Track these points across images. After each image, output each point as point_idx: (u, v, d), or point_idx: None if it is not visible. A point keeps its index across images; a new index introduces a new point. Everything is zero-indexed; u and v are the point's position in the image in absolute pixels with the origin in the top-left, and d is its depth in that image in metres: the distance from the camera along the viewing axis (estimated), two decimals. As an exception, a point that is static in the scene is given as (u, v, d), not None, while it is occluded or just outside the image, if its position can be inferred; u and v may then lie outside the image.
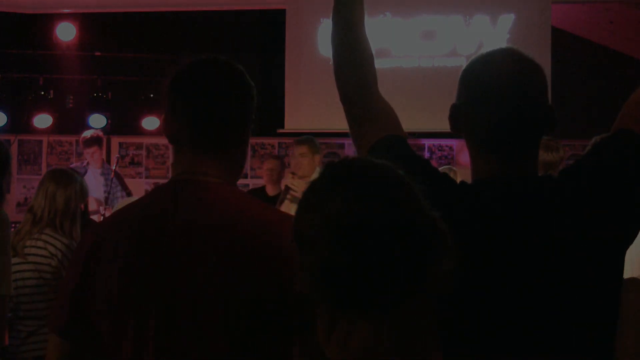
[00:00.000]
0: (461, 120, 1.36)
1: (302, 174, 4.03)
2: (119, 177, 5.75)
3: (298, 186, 4.01)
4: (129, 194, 5.61)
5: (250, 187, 6.41)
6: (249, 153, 7.41)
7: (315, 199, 0.95)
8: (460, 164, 6.97)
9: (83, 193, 3.06)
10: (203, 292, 1.22)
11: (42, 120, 6.82)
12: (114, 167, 5.79)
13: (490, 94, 1.31)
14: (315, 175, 4.15)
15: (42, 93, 6.72)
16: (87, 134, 5.66)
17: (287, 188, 5.02)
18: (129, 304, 1.25)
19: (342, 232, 0.90)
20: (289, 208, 4.00)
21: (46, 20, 7.08)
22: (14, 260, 2.89)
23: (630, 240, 1.29)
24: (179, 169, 1.34)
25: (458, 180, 1.37)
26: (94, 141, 5.62)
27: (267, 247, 1.24)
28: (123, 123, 7.21)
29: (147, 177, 7.48)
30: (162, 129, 1.38)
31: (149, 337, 1.23)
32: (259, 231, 1.25)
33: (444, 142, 7.30)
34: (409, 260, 0.90)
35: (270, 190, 5.21)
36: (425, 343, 0.94)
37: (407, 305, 0.91)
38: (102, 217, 5.01)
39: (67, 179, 3.01)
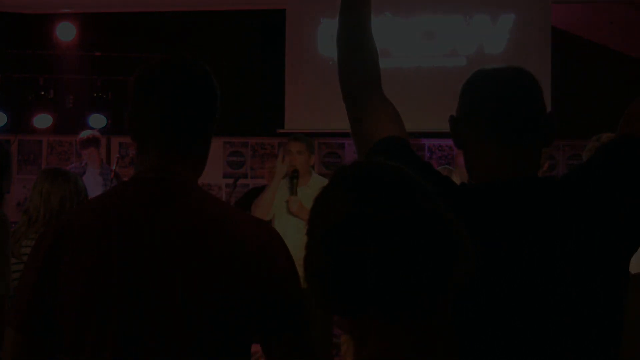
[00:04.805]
0: (460, 132, 1.36)
1: (302, 171, 4.00)
2: (117, 178, 5.75)
3: (292, 203, 3.92)
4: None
5: (251, 186, 6.40)
6: (249, 153, 7.39)
7: (326, 203, 0.94)
8: (459, 164, 6.96)
9: (79, 192, 3.00)
10: (170, 291, 1.22)
11: (42, 120, 6.80)
12: (113, 167, 5.78)
13: (487, 104, 1.31)
14: (314, 177, 4.13)
15: (42, 93, 6.70)
16: (84, 135, 5.65)
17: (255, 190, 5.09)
18: (93, 300, 1.23)
19: (350, 234, 0.88)
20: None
21: (46, 20, 7.08)
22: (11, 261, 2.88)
23: (636, 245, 1.29)
24: (145, 167, 1.33)
25: (456, 180, 1.36)
26: (91, 142, 5.61)
27: (242, 250, 1.24)
28: (123, 123, 7.20)
29: (147, 177, 7.46)
30: (126, 126, 1.37)
31: (110, 335, 1.22)
32: (234, 234, 1.25)
33: (444, 142, 7.29)
34: (421, 264, 0.87)
35: None
36: (443, 348, 0.91)
37: (425, 310, 0.89)
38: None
39: (61, 179, 2.96)
